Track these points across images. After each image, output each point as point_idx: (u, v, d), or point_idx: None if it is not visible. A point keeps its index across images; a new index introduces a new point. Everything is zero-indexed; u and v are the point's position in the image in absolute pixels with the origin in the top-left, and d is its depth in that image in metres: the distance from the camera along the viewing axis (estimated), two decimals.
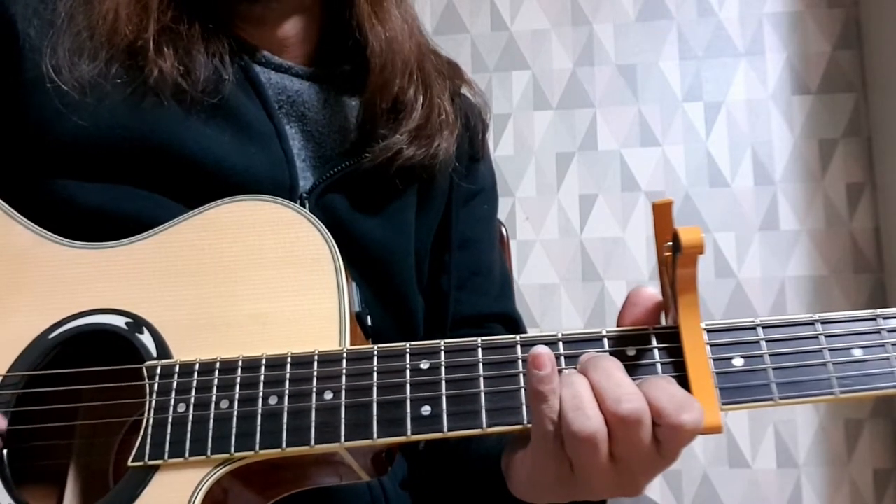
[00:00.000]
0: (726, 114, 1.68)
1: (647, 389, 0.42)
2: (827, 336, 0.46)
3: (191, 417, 0.48)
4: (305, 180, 0.65)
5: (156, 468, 0.47)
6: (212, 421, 0.47)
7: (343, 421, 0.46)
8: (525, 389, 0.46)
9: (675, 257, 0.43)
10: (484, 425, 0.45)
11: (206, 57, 0.61)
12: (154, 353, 0.51)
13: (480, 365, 0.47)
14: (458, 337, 0.49)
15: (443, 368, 0.47)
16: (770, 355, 0.45)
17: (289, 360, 0.49)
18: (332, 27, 0.70)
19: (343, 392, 0.47)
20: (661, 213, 0.45)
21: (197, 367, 0.49)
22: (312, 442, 0.46)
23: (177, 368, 0.50)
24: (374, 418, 0.46)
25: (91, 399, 0.54)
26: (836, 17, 1.67)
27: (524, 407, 0.46)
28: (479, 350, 0.47)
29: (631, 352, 0.46)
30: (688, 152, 1.69)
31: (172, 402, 0.48)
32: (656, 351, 0.46)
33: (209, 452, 0.47)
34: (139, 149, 0.59)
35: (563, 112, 1.74)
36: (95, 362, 0.52)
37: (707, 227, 1.64)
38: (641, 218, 1.67)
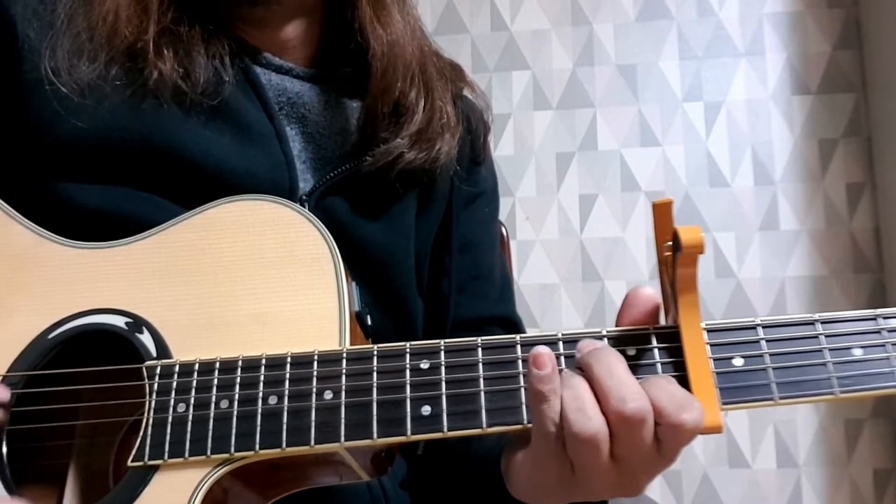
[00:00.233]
0: (726, 114, 1.68)
1: (648, 388, 0.42)
2: (827, 336, 0.46)
3: (191, 417, 0.48)
4: (305, 182, 0.65)
5: (155, 468, 0.47)
6: (212, 421, 0.47)
7: (343, 421, 0.46)
8: (525, 389, 0.46)
9: (675, 257, 0.43)
10: (484, 425, 0.45)
11: (206, 58, 0.61)
12: (154, 352, 0.51)
13: (480, 365, 0.47)
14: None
15: (443, 368, 0.47)
16: (770, 355, 0.45)
17: (288, 359, 0.49)
18: (333, 29, 0.70)
19: (343, 392, 0.47)
20: (661, 212, 0.45)
21: (197, 366, 0.49)
22: (312, 442, 0.46)
23: (176, 368, 0.50)
24: (374, 418, 0.46)
25: (91, 399, 0.54)
26: (836, 17, 1.67)
27: (524, 407, 0.46)
28: (479, 350, 0.47)
29: (631, 351, 0.46)
30: (688, 152, 1.69)
31: (172, 401, 0.48)
32: (656, 350, 0.46)
33: (209, 452, 0.47)
34: (138, 150, 0.58)
35: (563, 112, 1.74)
36: (95, 362, 0.52)
37: (707, 227, 1.64)
38: (641, 218, 1.67)
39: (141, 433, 0.48)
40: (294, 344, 0.49)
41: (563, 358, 0.46)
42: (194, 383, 0.49)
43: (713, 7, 1.72)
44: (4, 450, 0.50)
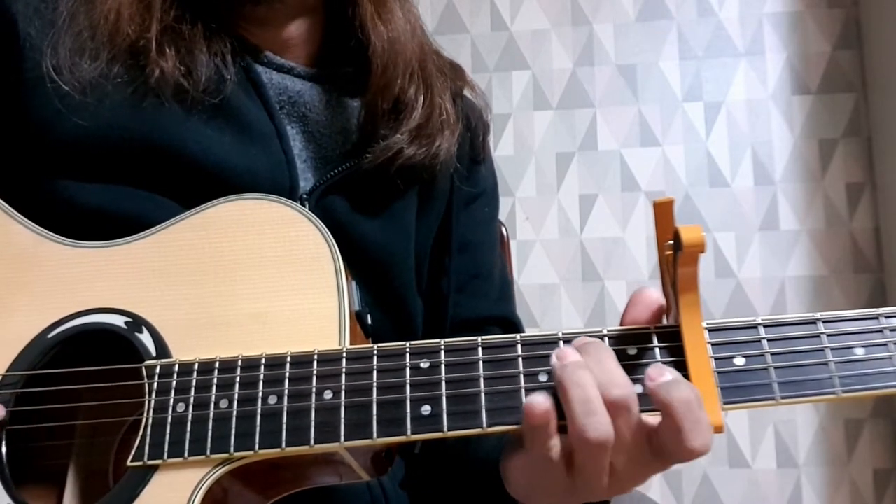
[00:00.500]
0: (726, 114, 1.68)
1: (669, 390, 0.42)
2: (828, 335, 0.45)
3: (190, 417, 0.48)
4: (306, 181, 0.65)
5: (155, 468, 0.47)
6: (211, 420, 0.47)
7: (343, 420, 0.46)
8: (525, 389, 0.46)
9: (676, 256, 0.43)
10: (484, 425, 0.45)
11: (207, 57, 0.61)
12: (153, 352, 0.50)
13: (480, 364, 0.47)
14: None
15: (443, 368, 0.47)
16: (771, 354, 0.45)
17: (288, 359, 0.48)
18: (334, 28, 0.70)
19: (343, 391, 0.47)
20: (662, 211, 0.45)
21: (196, 366, 0.49)
22: (312, 442, 0.46)
23: (176, 368, 0.49)
24: (374, 418, 0.46)
25: (91, 399, 0.54)
26: (836, 17, 1.67)
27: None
28: (480, 349, 0.47)
29: (632, 350, 0.46)
30: (688, 152, 1.69)
31: (171, 401, 0.48)
32: (657, 350, 0.46)
33: (208, 452, 0.46)
34: (139, 149, 0.58)
35: (563, 112, 1.74)
36: (95, 362, 0.52)
37: (707, 227, 1.64)
38: (641, 218, 1.67)
39: (140, 433, 0.48)
40: (294, 343, 0.49)
41: None
42: (194, 383, 0.49)
43: (713, 7, 1.72)
44: (4, 449, 0.50)
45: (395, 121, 0.66)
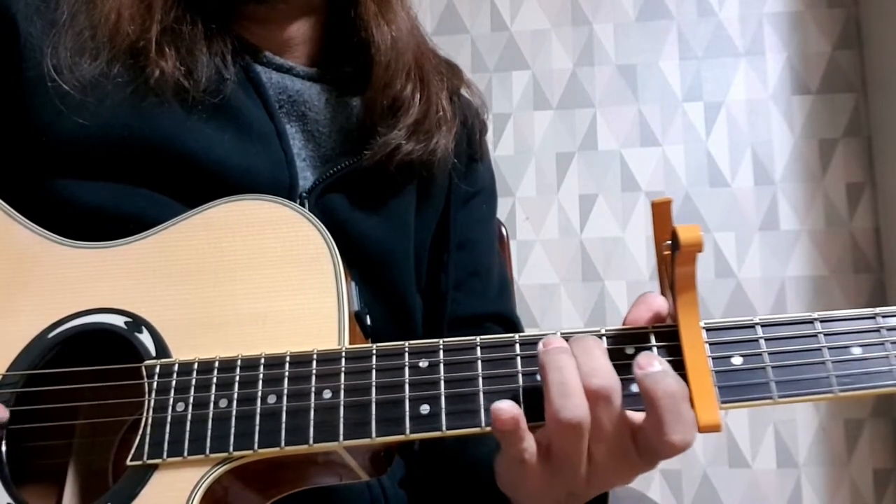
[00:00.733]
0: (726, 114, 1.68)
1: (654, 384, 0.42)
2: (826, 335, 0.46)
3: (189, 416, 0.48)
4: (305, 180, 0.65)
5: (154, 467, 0.47)
6: (210, 420, 0.47)
7: (342, 420, 0.46)
8: (523, 388, 0.46)
9: (673, 256, 0.43)
10: (482, 424, 0.45)
11: (208, 57, 0.61)
12: (153, 352, 0.51)
13: (479, 364, 0.47)
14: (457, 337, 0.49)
15: (441, 367, 0.47)
16: (769, 354, 0.45)
17: (287, 358, 0.49)
18: (335, 27, 0.70)
19: (342, 391, 0.47)
20: (660, 211, 0.45)
21: (196, 366, 0.49)
22: (311, 441, 0.46)
23: (175, 367, 0.50)
24: (373, 417, 0.46)
25: (90, 398, 0.54)
26: (836, 17, 1.67)
27: (523, 406, 0.46)
28: (478, 349, 0.47)
29: (630, 350, 0.46)
30: (688, 152, 1.69)
31: (171, 401, 0.48)
32: (655, 349, 0.46)
33: (208, 451, 0.47)
34: (140, 148, 0.59)
35: (563, 112, 1.74)
36: (95, 362, 0.52)
37: (707, 227, 1.64)
38: (641, 218, 1.67)
39: (140, 432, 0.48)
40: (293, 343, 0.49)
41: None
42: (193, 382, 0.49)
43: (713, 7, 1.72)
44: (4, 449, 0.50)
45: (392, 118, 0.67)
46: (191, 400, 0.48)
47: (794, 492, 1.55)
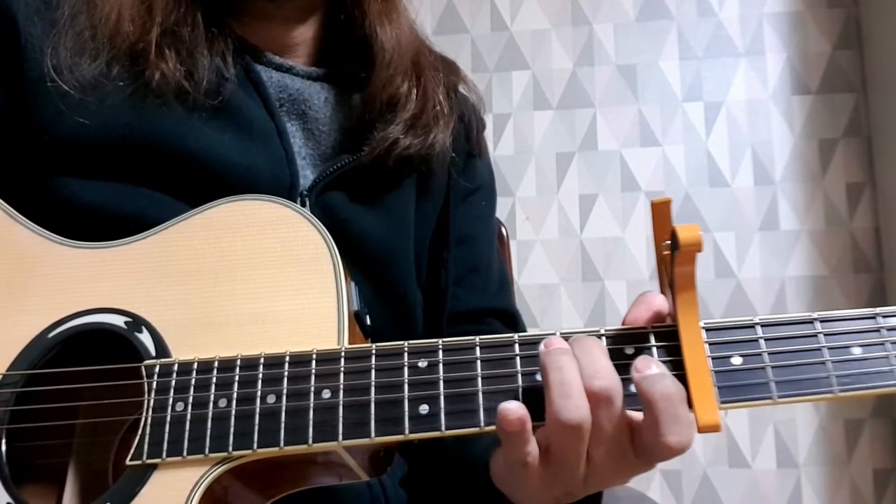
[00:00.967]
0: (726, 114, 1.68)
1: (650, 386, 0.42)
2: (826, 335, 0.45)
3: (189, 416, 0.48)
4: (305, 178, 0.65)
5: (154, 467, 0.47)
6: (210, 420, 0.47)
7: (341, 420, 0.46)
8: (522, 388, 0.46)
9: (673, 255, 0.43)
10: (481, 424, 0.45)
11: (209, 59, 0.61)
12: (153, 352, 0.51)
13: (478, 363, 0.47)
14: (457, 333, 0.49)
15: (441, 367, 0.47)
16: (769, 354, 0.45)
17: (287, 358, 0.49)
18: (335, 26, 0.70)
19: (341, 391, 0.47)
20: (660, 211, 0.45)
21: (195, 365, 0.49)
22: (310, 441, 0.46)
23: (175, 367, 0.50)
24: (372, 417, 0.46)
25: (90, 398, 0.54)
26: (836, 17, 1.67)
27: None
28: (477, 349, 0.47)
29: (629, 350, 0.46)
30: (688, 152, 1.69)
31: (171, 400, 0.48)
32: (654, 349, 0.46)
33: (207, 451, 0.47)
34: (140, 147, 0.59)
35: (563, 112, 1.74)
36: (95, 362, 0.52)
37: (707, 227, 1.64)
38: (641, 218, 1.67)
39: (139, 432, 0.48)
40: (293, 343, 0.49)
41: None
42: (193, 382, 0.49)
43: (713, 7, 1.72)
44: (4, 448, 0.51)
45: (390, 114, 0.67)
46: (190, 400, 0.48)
47: (794, 492, 1.55)
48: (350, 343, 0.50)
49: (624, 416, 0.44)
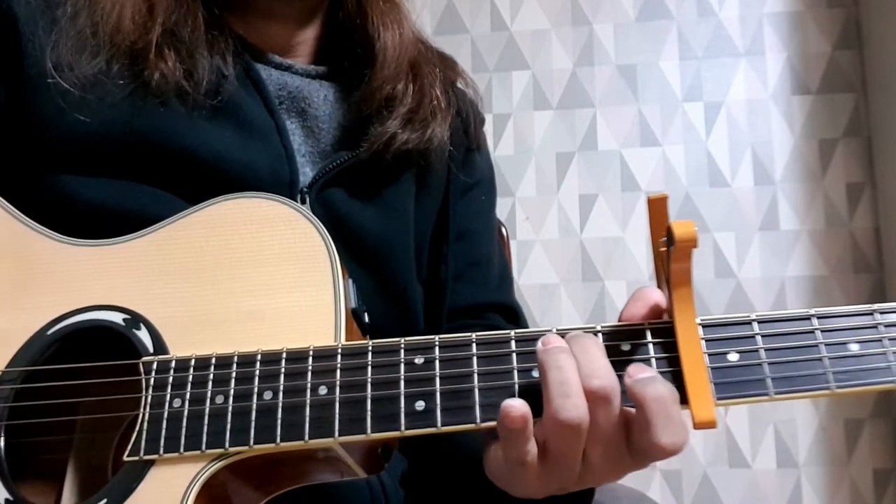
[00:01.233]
0: (726, 114, 1.68)
1: (643, 387, 0.42)
2: (823, 331, 0.45)
3: (186, 412, 0.48)
4: (305, 175, 0.65)
5: (151, 463, 0.47)
6: (207, 416, 0.48)
7: (337, 416, 0.46)
8: (518, 385, 0.46)
9: (669, 251, 0.43)
10: (478, 420, 0.45)
11: (209, 59, 0.61)
12: (151, 349, 0.51)
13: (475, 360, 0.47)
14: (457, 328, 0.49)
15: (437, 363, 0.47)
16: (765, 350, 0.45)
17: (284, 355, 0.49)
18: (336, 26, 0.70)
19: (337, 387, 0.47)
20: (656, 207, 0.45)
21: (193, 362, 0.49)
22: (307, 437, 0.46)
23: (172, 364, 0.50)
24: (368, 413, 0.46)
25: (89, 395, 0.54)
26: (836, 17, 1.67)
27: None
28: (474, 345, 0.47)
29: (625, 346, 0.46)
30: (688, 152, 1.69)
31: (168, 397, 0.49)
32: (650, 346, 0.46)
33: (204, 447, 0.47)
34: (140, 145, 0.59)
35: (563, 112, 1.74)
36: (94, 358, 0.52)
37: (707, 227, 1.64)
38: (641, 218, 1.67)
39: (137, 428, 0.48)
40: (291, 340, 0.49)
41: None
42: (190, 379, 0.49)
43: (713, 7, 1.72)
44: (3, 444, 0.51)
45: (387, 109, 0.68)
46: (187, 396, 0.48)
47: (794, 492, 1.55)
48: (347, 340, 0.50)
49: (621, 416, 0.44)
